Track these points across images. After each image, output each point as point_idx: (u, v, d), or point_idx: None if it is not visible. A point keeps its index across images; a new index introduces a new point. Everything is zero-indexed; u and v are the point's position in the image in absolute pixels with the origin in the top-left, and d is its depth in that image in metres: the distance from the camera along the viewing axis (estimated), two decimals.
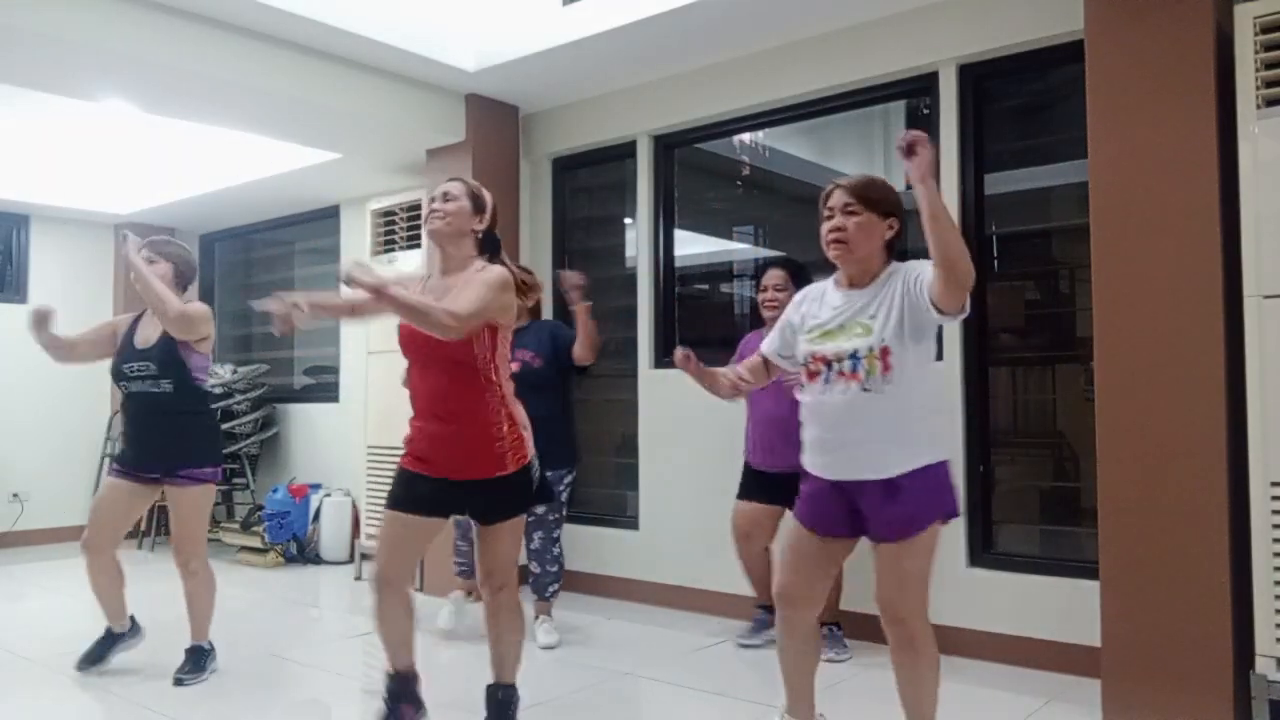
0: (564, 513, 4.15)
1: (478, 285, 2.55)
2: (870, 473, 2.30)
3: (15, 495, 6.86)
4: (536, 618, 4.08)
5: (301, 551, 6.18)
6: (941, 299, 2.17)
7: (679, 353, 2.51)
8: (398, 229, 5.67)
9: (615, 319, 5.22)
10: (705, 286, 5.26)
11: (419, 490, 2.65)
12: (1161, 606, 2.89)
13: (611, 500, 5.24)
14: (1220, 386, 2.83)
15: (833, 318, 2.39)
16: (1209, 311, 2.86)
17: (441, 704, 3.01)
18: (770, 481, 3.82)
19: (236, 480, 6.77)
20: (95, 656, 3.60)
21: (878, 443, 2.29)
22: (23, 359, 6.94)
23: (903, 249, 2.49)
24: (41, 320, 3.42)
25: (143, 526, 6.71)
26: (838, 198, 2.37)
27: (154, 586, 4.23)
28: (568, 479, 4.12)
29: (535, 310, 4.24)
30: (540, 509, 3.94)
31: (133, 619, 3.71)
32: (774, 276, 3.90)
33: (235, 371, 6.75)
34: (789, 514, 2.58)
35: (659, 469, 4.86)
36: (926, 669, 2.37)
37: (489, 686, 2.84)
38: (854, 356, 2.30)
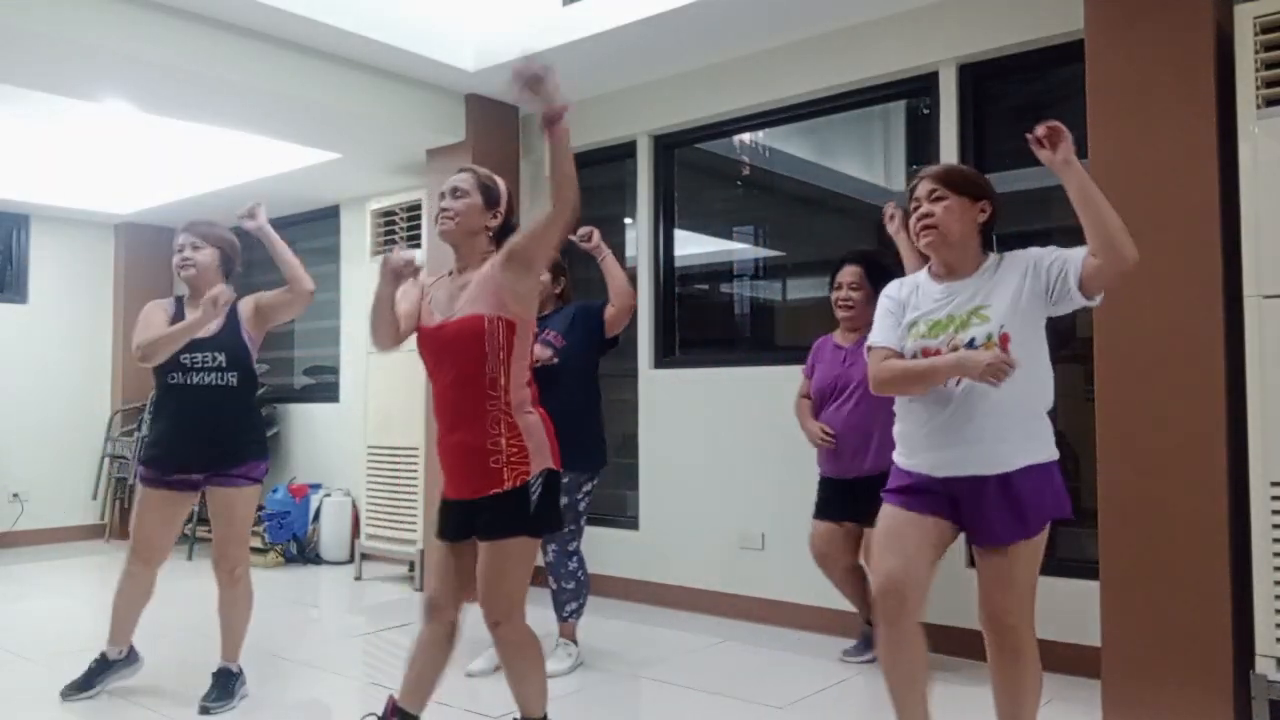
0: (582, 522, 3.76)
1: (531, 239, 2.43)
2: (986, 468, 2.19)
3: (15, 495, 6.87)
4: (557, 639, 3.73)
5: (301, 551, 6.18)
6: (1097, 280, 2.13)
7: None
8: (398, 229, 5.67)
9: None
10: (705, 286, 5.26)
11: (447, 515, 2.51)
12: (1161, 606, 2.89)
13: (611, 500, 5.24)
14: (1220, 386, 2.83)
15: (937, 308, 2.29)
16: (1209, 311, 2.86)
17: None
18: (844, 493, 3.62)
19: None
20: (86, 684, 3.31)
21: (994, 437, 2.19)
22: (23, 359, 6.99)
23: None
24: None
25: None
26: (923, 187, 2.30)
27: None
28: (587, 486, 3.74)
29: (565, 296, 3.92)
30: None
31: (131, 647, 3.43)
32: (849, 274, 3.62)
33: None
34: (884, 509, 2.35)
35: (659, 469, 4.86)
36: (1032, 679, 2.29)
37: (405, 714, 2.56)
38: (971, 345, 2.20)
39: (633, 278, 5.04)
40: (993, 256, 2.32)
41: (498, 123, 5.22)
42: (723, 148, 4.97)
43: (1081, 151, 3.12)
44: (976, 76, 3.93)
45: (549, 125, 2.33)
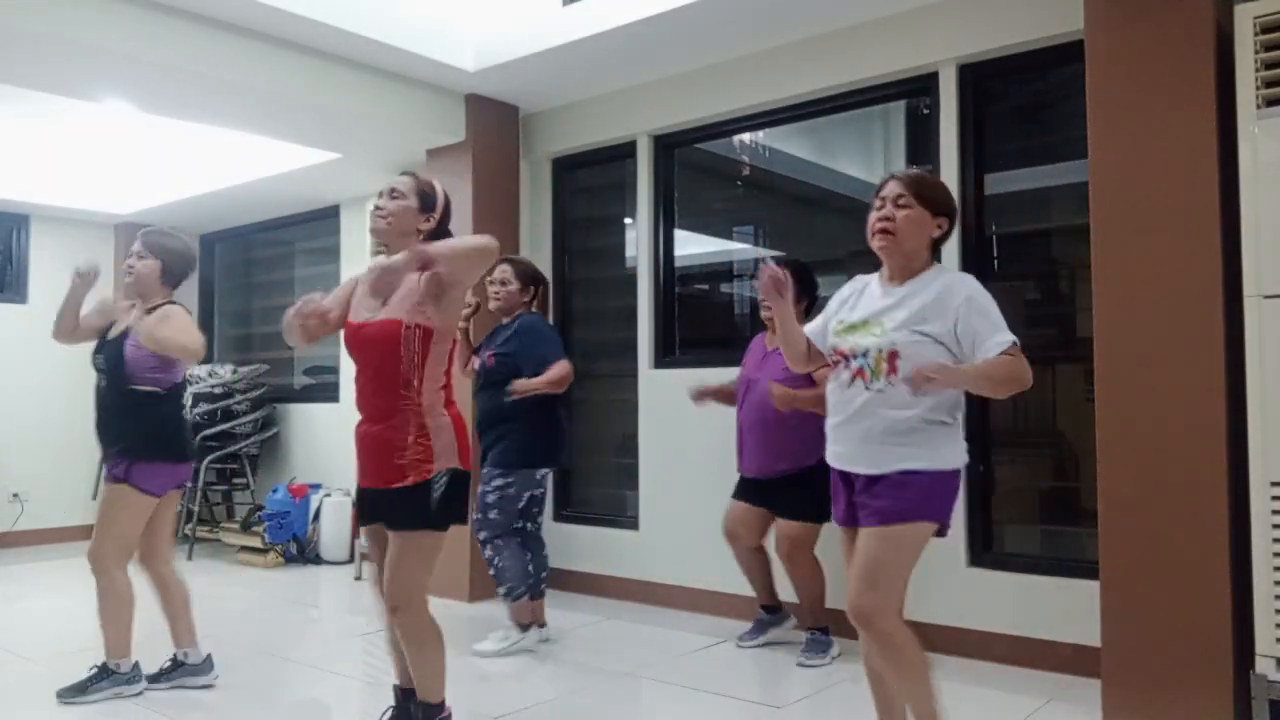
0: (492, 515, 3.88)
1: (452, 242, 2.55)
2: (863, 467, 2.32)
3: (15, 495, 6.87)
4: (528, 627, 3.99)
5: (301, 551, 6.18)
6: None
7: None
8: None
9: (615, 319, 5.23)
10: (705, 286, 5.26)
11: (361, 502, 2.71)
12: (1161, 606, 2.89)
13: (611, 500, 5.24)
14: (1220, 386, 2.83)
15: (860, 312, 2.39)
16: (1209, 311, 2.86)
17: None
18: (754, 485, 3.91)
19: (236, 480, 6.77)
20: (81, 688, 3.33)
21: (873, 442, 2.29)
22: (23, 359, 6.99)
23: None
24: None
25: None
26: (891, 188, 2.36)
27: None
28: (498, 482, 3.87)
29: (529, 304, 4.07)
30: None
31: (136, 665, 3.41)
32: None
33: (235, 371, 6.75)
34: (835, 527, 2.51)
35: (659, 469, 4.85)
36: (902, 668, 2.32)
37: (407, 691, 2.71)
38: (864, 355, 2.31)
39: (633, 278, 5.05)
40: (932, 270, 2.37)
41: (498, 123, 5.22)
42: (723, 148, 4.97)
43: (1081, 151, 3.15)
44: (976, 76, 3.93)
45: (423, 268, 2.47)
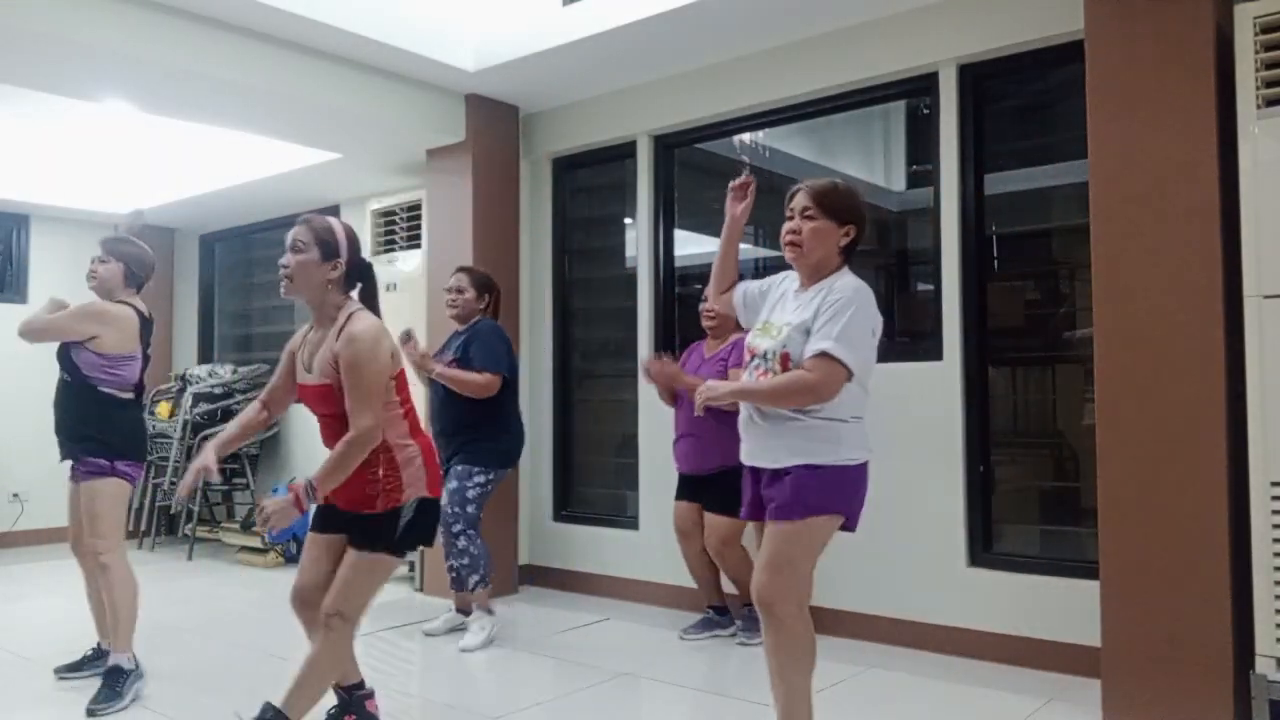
0: (470, 510, 4.02)
1: (358, 375, 2.48)
2: (766, 462, 2.44)
3: (15, 495, 6.86)
4: (470, 613, 4.12)
5: (301, 551, 6.17)
6: None
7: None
8: (398, 229, 5.67)
9: (615, 319, 5.23)
10: (705, 286, 5.26)
11: (322, 511, 2.73)
12: (1161, 606, 2.89)
13: (611, 500, 5.24)
14: (1220, 386, 2.83)
15: (774, 314, 2.52)
16: (1209, 311, 2.86)
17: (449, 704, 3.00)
18: (691, 483, 4.17)
19: (236, 480, 6.77)
20: (78, 666, 3.53)
21: (771, 437, 2.41)
22: (23, 359, 6.98)
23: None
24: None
25: (142, 526, 6.71)
26: (799, 201, 2.47)
27: (153, 588, 4.22)
28: (479, 478, 4.04)
29: (486, 310, 4.24)
30: (441, 500, 3.75)
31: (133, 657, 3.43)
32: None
33: (235, 371, 6.75)
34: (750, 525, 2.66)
35: (659, 469, 4.85)
36: (787, 651, 2.40)
37: (267, 704, 2.59)
38: (765, 356, 2.43)
39: (633, 278, 5.05)
40: (833, 276, 2.46)
41: (498, 123, 5.22)
42: (723, 148, 4.97)
43: (1081, 151, 3.15)
44: (976, 76, 3.93)
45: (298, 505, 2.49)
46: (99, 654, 3.52)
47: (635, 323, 5.01)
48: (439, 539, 4.02)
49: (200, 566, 6.04)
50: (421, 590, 5.19)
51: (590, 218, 5.55)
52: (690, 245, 5.08)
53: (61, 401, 3.47)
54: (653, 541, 4.85)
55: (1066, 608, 3.54)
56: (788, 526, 2.36)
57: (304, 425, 6.79)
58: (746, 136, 4.90)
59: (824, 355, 2.30)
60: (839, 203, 2.45)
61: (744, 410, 2.50)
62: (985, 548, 3.86)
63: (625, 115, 5.01)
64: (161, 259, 7.62)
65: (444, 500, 3.92)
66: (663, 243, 4.97)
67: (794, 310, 2.45)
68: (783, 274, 2.63)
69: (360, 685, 2.89)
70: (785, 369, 2.36)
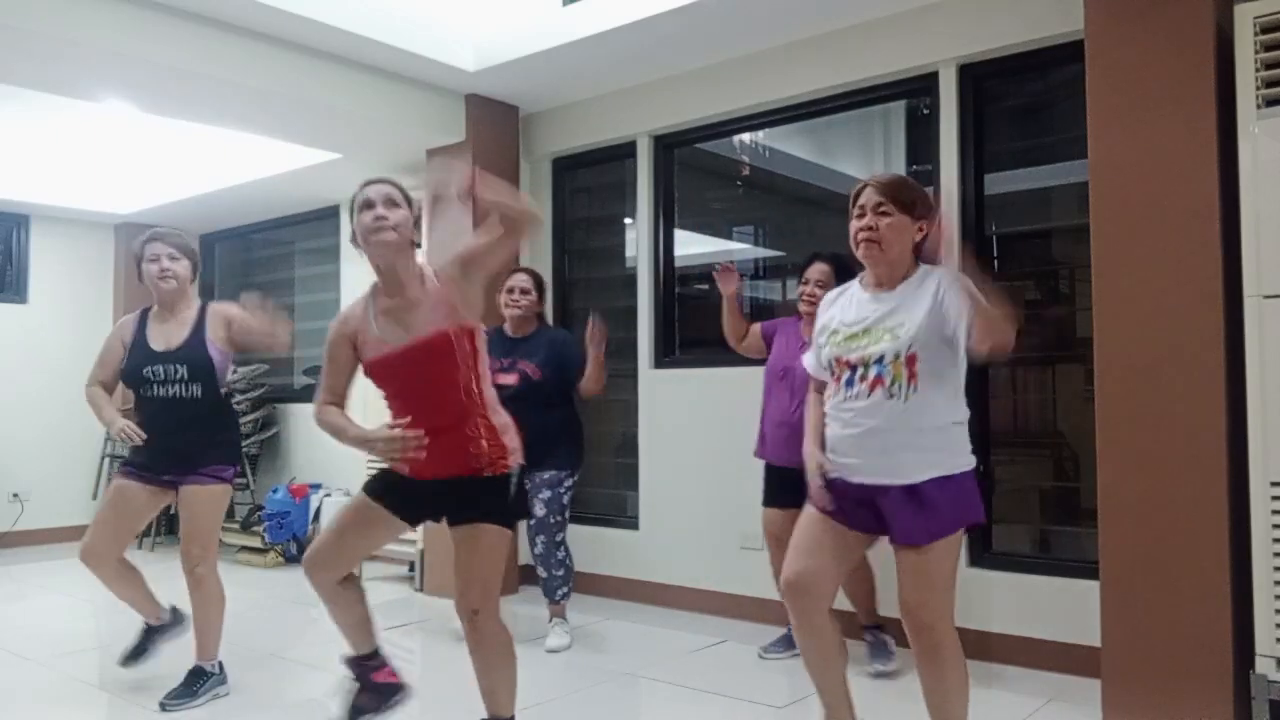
0: (566, 515, 4.06)
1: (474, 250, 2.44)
2: (891, 478, 2.26)
3: (15, 495, 6.87)
4: (550, 619, 4.13)
5: (301, 551, 6.17)
6: (982, 349, 2.18)
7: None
8: None
9: (615, 319, 5.22)
10: (705, 286, 5.25)
11: (396, 487, 2.52)
12: (1161, 606, 2.89)
13: (611, 500, 5.24)
14: (1220, 386, 2.83)
15: (859, 320, 2.35)
16: (1209, 311, 2.86)
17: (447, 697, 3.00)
18: (791, 481, 3.62)
19: (237, 480, 6.76)
20: (138, 651, 3.50)
21: (899, 450, 2.25)
22: (23, 359, 6.99)
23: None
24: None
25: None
26: (870, 196, 2.32)
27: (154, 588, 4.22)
28: (568, 482, 4.03)
29: (541, 316, 4.15)
30: (540, 511, 3.92)
31: (174, 609, 3.57)
32: (818, 271, 3.72)
33: (235, 371, 6.74)
34: (807, 511, 2.46)
35: (659, 469, 4.86)
36: (954, 678, 2.30)
37: (360, 660, 2.65)
38: (880, 362, 2.26)
39: (633, 278, 5.05)
40: (920, 270, 2.35)
41: (498, 123, 5.22)
42: (723, 148, 4.97)
43: (1081, 151, 3.15)
44: (976, 76, 3.93)
45: (472, 199, 2.34)
46: (151, 630, 3.52)
47: (635, 323, 5.01)
48: (538, 547, 4.03)
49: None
50: (421, 590, 5.19)
51: (590, 218, 5.54)
52: (690, 245, 5.08)
53: (184, 417, 3.31)
54: (653, 542, 4.85)
55: (1066, 608, 3.54)
56: (942, 542, 2.23)
57: (304, 425, 6.80)
58: (746, 136, 4.90)
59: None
60: (912, 196, 2.33)
61: (852, 424, 2.31)
62: (985, 548, 3.86)
63: (625, 115, 5.01)
64: None
65: (541, 510, 3.92)
66: (663, 243, 4.97)
67: (888, 311, 2.30)
68: (821, 317, 2.49)
69: (374, 654, 2.72)
70: (913, 373, 2.22)
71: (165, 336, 3.35)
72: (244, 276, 7.74)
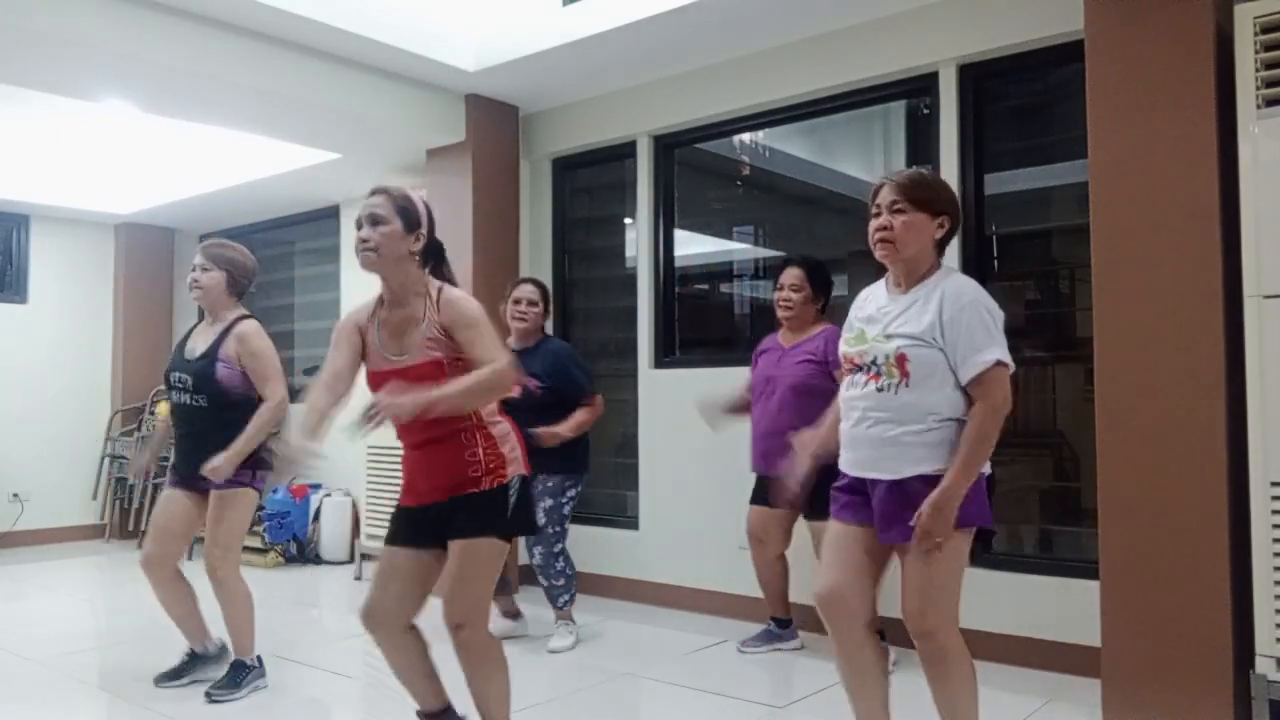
0: (566, 525, 4.02)
1: (482, 327, 2.37)
2: (879, 472, 2.25)
3: (15, 495, 6.87)
4: (555, 620, 4.11)
5: (301, 551, 6.18)
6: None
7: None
8: None
9: (615, 319, 5.23)
10: (705, 286, 5.26)
11: (406, 520, 2.48)
12: (1161, 606, 2.89)
13: (611, 500, 5.24)
14: (1220, 386, 2.83)
15: (872, 320, 2.33)
16: (1209, 311, 2.86)
17: None
18: (769, 484, 3.77)
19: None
20: (176, 674, 3.47)
21: (890, 445, 2.23)
22: (23, 359, 6.99)
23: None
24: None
25: (143, 526, 6.70)
26: (885, 195, 2.29)
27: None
28: (571, 491, 3.99)
29: (543, 327, 4.13)
30: (540, 520, 3.84)
31: (223, 645, 3.52)
32: (790, 275, 3.76)
33: None
34: (831, 523, 2.41)
35: (659, 469, 4.85)
36: (960, 683, 2.27)
37: (437, 714, 2.55)
38: (874, 361, 2.27)
39: (633, 278, 5.05)
40: (939, 272, 2.32)
41: (498, 123, 5.22)
42: (723, 148, 4.97)
43: (1081, 151, 3.15)
44: (976, 76, 3.93)
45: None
46: (194, 658, 3.51)
47: (635, 323, 5.01)
48: (537, 558, 4.00)
49: (201, 566, 6.03)
50: None
51: (590, 218, 5.55)
52: (690, 245, 5.08)
53: (194, 423, 3.37)
54: (653, 541, 4.85)
55: (1066, 608, 3.54)
56: (944, 548, 2.20)
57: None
58: (746, 136, 4.90)
59: (1000, 365, 2.17)
60: (929, 192, 2.28)
61: (852, 417, 2.31)
62: (985, 548, 3.85)
63: (625, 115, 5.01)
64: (161, 259, 7.66)
65: (540, 519, 3.85)
66: (663, 243, 4.96)
67: (896, 313, 2.28)
68: (852, 310, 2.46)
69: (446, 710, 2.58)
70: (904, 371, 2.20)
71: (196, 344, 3.44)
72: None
